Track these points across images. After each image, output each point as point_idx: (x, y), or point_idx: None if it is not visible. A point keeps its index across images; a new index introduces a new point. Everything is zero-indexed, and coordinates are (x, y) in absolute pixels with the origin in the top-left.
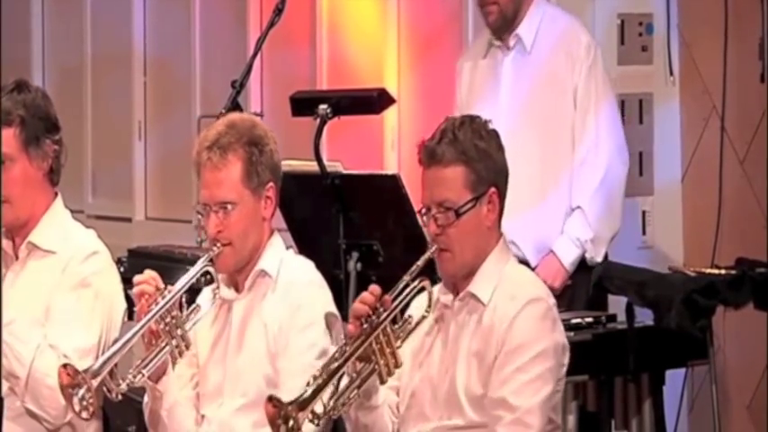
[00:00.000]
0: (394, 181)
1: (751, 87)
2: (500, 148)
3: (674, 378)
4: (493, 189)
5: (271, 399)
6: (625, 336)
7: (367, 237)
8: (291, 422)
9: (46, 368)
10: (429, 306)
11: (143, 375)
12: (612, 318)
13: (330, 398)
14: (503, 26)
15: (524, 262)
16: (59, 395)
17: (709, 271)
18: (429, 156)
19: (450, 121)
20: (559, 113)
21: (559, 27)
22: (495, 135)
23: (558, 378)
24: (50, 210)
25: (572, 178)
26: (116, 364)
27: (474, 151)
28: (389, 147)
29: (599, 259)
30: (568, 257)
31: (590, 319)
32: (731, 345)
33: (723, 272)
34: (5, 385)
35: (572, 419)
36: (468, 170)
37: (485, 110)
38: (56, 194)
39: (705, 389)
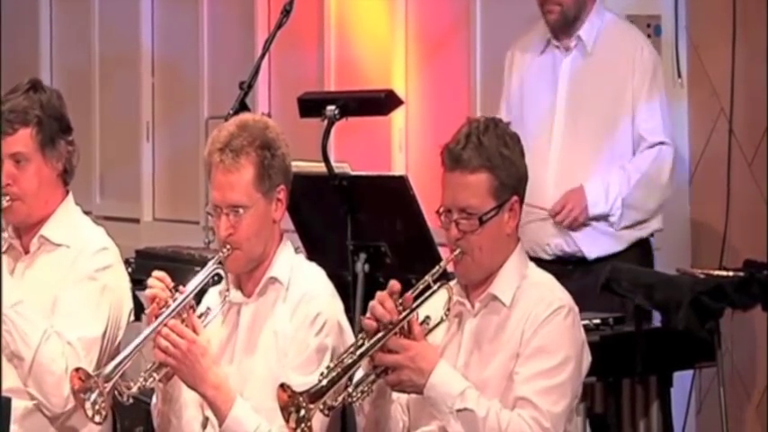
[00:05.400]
0: (402, 182)
1: (759, 89)
2: (522, 154)
3: (681, 380)
4: (515, 197)
5: (283, 386)
6: (633, 338)
7: (374, 238)
8: (303, 412)
9: (52, 354)
10: (448, 309)
11: (154, 378)
12: (620, 320)
13: (343, 390)
14: (563, 26)
15: (579, 256)
16: (63, 383)
17: (716, 273)
18: (454, 160)
19: (473, 124)
20: (616, 117)
21: (622, 33)
22: (517, 141)
23: (578, 387)
24: (62, 205)
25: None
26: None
27: (499, 158)
28: (397, 148)
29: (619, 225)
30: (595, 205)
31: (598, 321)
32: (739, 347)
33: (731, 274)
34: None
35: (579, 421)
36: (492, 177)
37: (539, 107)
38: (67, 192)
39: (713, 391)
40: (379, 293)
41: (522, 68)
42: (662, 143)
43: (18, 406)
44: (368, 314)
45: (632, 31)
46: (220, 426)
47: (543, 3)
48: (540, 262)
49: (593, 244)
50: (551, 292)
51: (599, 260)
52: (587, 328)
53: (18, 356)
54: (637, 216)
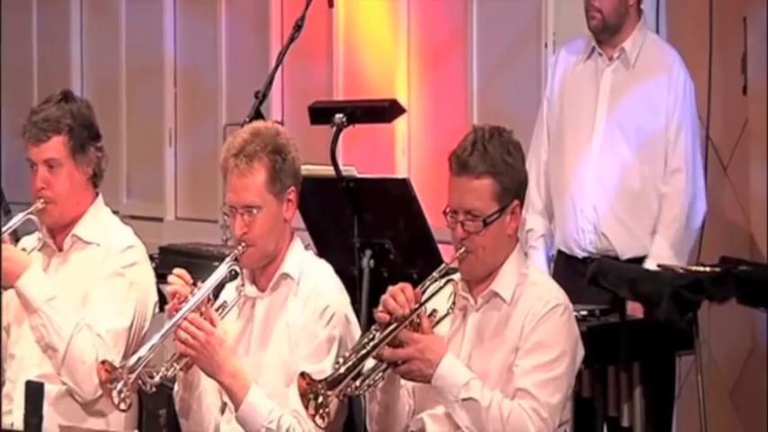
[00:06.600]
0: (404, 184)
1: (734, 99)
2: (523, 161)
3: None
4: (516, 201)
5: (303, 375)
6: (617, 328)
7: (379, 236)
8: (321, 398)
9: (83, 345)
10: (454, 303)
11: (175, 368)
12: (606, 311)
13: (357, 379)
14: (603, 33)
15: (615, 257)
16: (94, 372)
17: (695, 268)
18: (461, 166)
19: (479, 132)
20: (652, 129)
21: (661, 52)
22: (519, 148)
23: (573, 379)
24: (93, 206)
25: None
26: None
27: (502, 165)
28: (400, 153)
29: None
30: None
31: (585, 313)
32: (716, 336)
33: (708, 269)
34: None
35: (568, 405)
36: (495, 182)
37: (579, 109)
38: (97, 194)
39: (691, 377)
40: (391, 288)
41: (566, 70)
42: (678, 170)
43: (51, 390)
44: (380, 307)
45: (671, 53)
46: (237, 411)
47: (587, 8)
48: (575, 262)
49: (628, 245)
50: (549, 291)
51: (632, 261)
52: (575, 319)
53: (52, 348)
54: (689, 247)
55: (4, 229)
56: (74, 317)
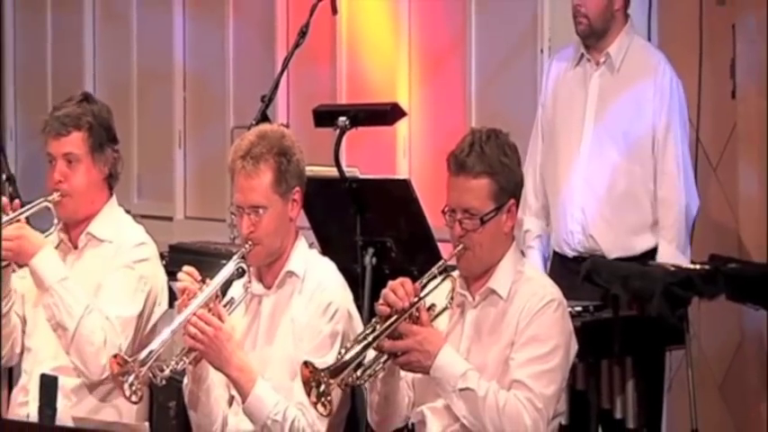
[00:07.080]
0: (405, 185)
1: (723, 103)
2: (519, 162)
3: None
4: (512, 201)
5: (306, 363)
6: (611, 323)
7: (381, 234)
8: (323, 386)
9: (92, 327)
10: (452, 298)
11: (185, 362)
12: (600, 307)
13: (358, 369)
14: (590, 37)
15: (602, 256)
16: (101, 353)
17: (686, 266)
18: (459, 166)
19: (476, 134)
20: (639, 131)
21: (647, 56)
22: (515, 150)
23: (567, 372)
24: (107, 205)
25: (653, 203)
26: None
27: (499, 166)
28: (401, 154)
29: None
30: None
31: (579, 308)
32: (705, 331)
33: (698, 267)
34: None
35: (563, 397)
36: (492, 182)
37: (570, 114)
38: (111, 195)
39: (681, 371)
40: (391, 282)
41: (558, 77)
42: (671, 172)
43: (66, 382)
44: (381, 300)
45: (656, 54)
46: (244, 403)
47: (574, 15)
48: (567, 261)
49: (614, 245)
50: (543, 288)
51: (619, 260)
52: (570, 315)
53: (62, 326)
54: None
55: (20, 210)
56: (85, 299)
